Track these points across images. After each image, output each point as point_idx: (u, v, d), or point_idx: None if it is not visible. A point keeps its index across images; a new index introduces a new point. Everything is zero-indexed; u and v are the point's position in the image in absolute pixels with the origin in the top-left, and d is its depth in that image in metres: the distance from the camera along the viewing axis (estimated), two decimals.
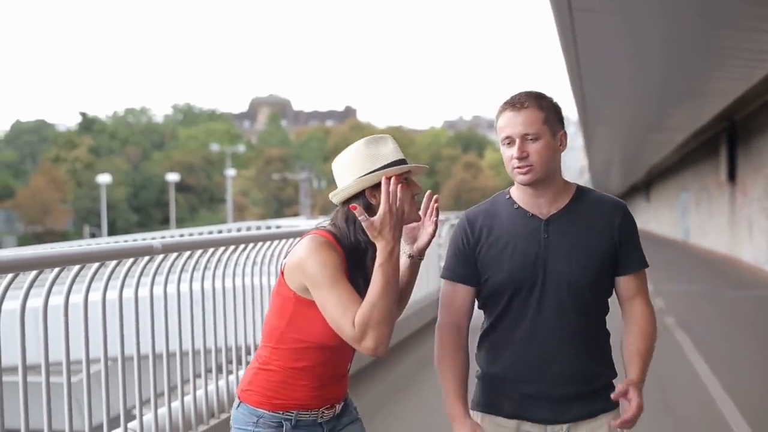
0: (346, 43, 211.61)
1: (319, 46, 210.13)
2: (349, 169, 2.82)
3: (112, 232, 66.20)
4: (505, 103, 2.83)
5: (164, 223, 76.43)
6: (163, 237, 14.23)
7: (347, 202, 2.81)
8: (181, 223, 74.13)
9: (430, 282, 11.95)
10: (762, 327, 12.43)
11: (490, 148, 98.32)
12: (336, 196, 2.84)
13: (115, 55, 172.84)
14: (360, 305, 2.67)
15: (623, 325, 2.95)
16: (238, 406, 2.87)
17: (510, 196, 2.93)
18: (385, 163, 2.79)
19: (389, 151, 2.83)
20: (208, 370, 4.99)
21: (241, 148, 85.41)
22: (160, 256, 4.40)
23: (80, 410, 3.79)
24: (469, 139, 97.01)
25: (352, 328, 2.65)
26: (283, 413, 2.82)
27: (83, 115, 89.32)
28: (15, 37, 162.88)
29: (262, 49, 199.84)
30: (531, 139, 2.78)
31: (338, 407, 2.94)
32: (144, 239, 14.51)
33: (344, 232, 2.82)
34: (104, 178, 63.05)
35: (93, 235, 66.45)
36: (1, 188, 76.21)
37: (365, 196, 2.81)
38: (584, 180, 67.90)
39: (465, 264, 2.92)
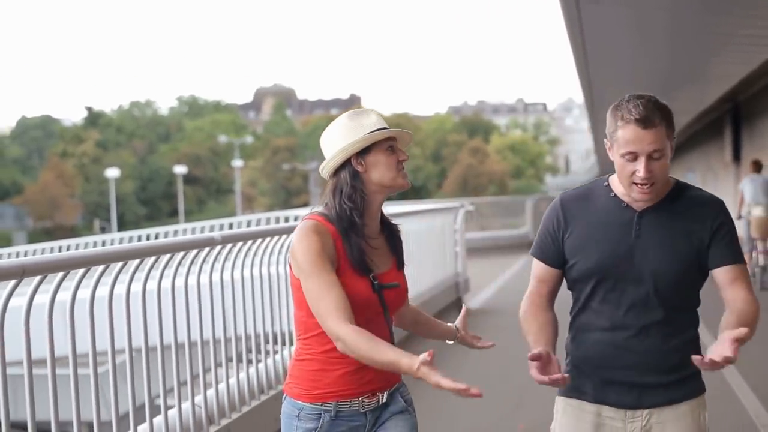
0: (348, 31, 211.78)
1: (322, 33, 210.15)
2: (335, 142, 2.86)
3: (121, 225, 66.63)
4: (632, 116, 2.71)
5: (173, 216, 76.74)
6: (221, 229, 14.65)
7: (336, 174, 2.87)
8: (189, 215, 74.37)
9: (447, 267, 12.39)
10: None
11: (496, 132, 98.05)
12: (324, 170, 2.89)
13: (119, 48, 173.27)
14: (339, 294, 2.69)
15: (726, 308, 2.85)
16: (285, 399, 2.90)
17: (608, 184, 2.91)
18: (369, 131, 2.84)
19: (372, 122, 2.86)
20: (257, 351, 5.36)
21: (249, 139, 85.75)
22: (218, 247, 4.79)
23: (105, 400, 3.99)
24: (474, 125, 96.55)
25: (331, 325, 2.68)
26: (322, 404, 2.82)
27: (89, 109, 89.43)
28: (18, 33, 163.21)
29: (266, 38, 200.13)
30: (656, 158, 2.72)
31: (382, 396, 2.91)
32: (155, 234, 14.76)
33: (332, 206, 2.85)
34: (113, 172, 63.42)
35: (103, 229, 66.90)
36: (9, 184, 76.71)
37: (351, 164, 2.84)
38: (591, 161, 68.07)
39: (551, 246, 2.93)
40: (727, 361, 2.50)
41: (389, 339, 2.91)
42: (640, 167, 2.71)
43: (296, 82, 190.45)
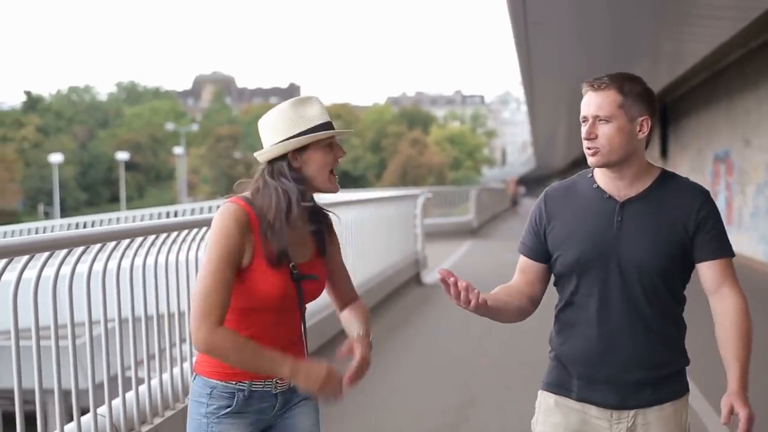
0: (288, 20, 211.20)
1: (262, 22, 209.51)
2: (274, 130, 2.76)
3: (62, 210, 66.44)
4: (587, 81, 2.76)
5: (113, 202, 76.57)
6: (167, 216, 15.49)
7: (271, 162, 2.77)
8: (129, 201, 74.47)
9: (408, 246, 13.95)
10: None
11: (435, 124, 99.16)
12: (261, 156, 2.79)
13: (58, 32, 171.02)
14: (225, 298, 2.63)
15: (714, 319, 2.77)
16: (194, 378, 2.82)
17: (592, 175, 2.84)
18: (311, 125, 2.75)
19: (315, 114, 2.77)
20: None
21: (194, 126, 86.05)
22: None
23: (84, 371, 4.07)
24: (413, 116, 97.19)
25: (206, 323, 2.60)
26: (236, 383, 2.75)
27: (28, 93, 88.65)
28: None
29: (206, 25, 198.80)
30: (602, 122, 2.70)
31: None
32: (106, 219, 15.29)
33: (265, 195, 2.75)
34: (56, 158, 63.00)
35: (47, 214, 66.49)
36: None
37: (288, 159, 2.76)
38: (527, 154, 69.62)
39: (533, 240, 2.88)
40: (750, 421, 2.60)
41: (300, 332, 2.88)
42: (585, 128, 2.74)
43: (236, 70, 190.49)
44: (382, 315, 10.78)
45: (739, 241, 17.08)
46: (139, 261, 4.62)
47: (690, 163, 22.23)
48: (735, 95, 17.27)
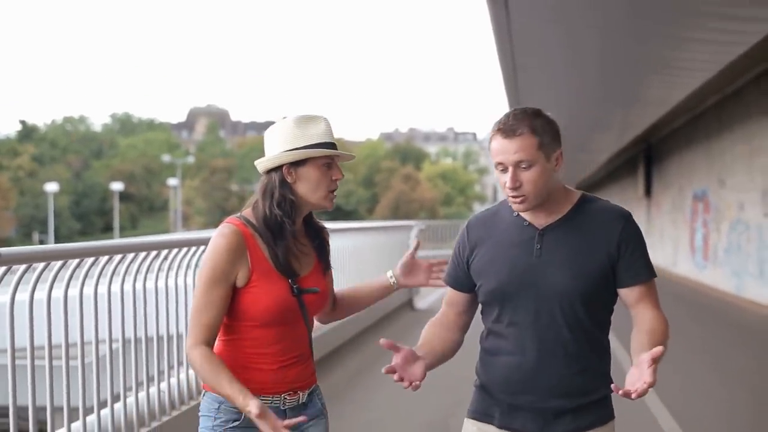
0: (282, 55, 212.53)
1: (256, 56, 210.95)
2: (276, 142, 2.78)
3: (56, 239, 66.50)
4: (497, 127, 2.65)
5: (106, 231, 76.90)
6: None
7: (267, 173, 2.79)
8: (122, 231, 74.68)
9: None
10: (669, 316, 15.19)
11: (427, 160, 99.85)
12: (258, 165, 2.81)
13: (52, 62, 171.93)
14: (216, 315, 2.69)
15: (633, 327, 2.71)
16: (204, 395, 2.82)
17: None
18: (310, 143, 2.75)
19: (317, 132, 2.77)
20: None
21: (190, 158, 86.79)
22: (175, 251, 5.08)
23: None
24: (406, 152, 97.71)
25: (188, 344, 2.70)
26: None
27: (23, 123, 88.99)
28: None
29: (200, 58, 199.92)
30: (524, 167, 2.61)
31: (302, 395, 2.86)
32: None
33: (260, 208, 2.77)
34: (51, 187, 63.19)
35: (41, 242, 66.90)
36: None
37: (282, 171, 2.76)
38: None
39: (457, 270, 2.87)
40: (649, 385, 2.39)
41: (308, 347, 2.90)
42: (507, 176, 2.64)
43: (230, 104, 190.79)
44: (377, 336, 11.27)
45: (714, 275, 17.92)
46: (139, 285, 4.67)
47: (672, 202, 22.95)
48: (713, 137, 18.05)
